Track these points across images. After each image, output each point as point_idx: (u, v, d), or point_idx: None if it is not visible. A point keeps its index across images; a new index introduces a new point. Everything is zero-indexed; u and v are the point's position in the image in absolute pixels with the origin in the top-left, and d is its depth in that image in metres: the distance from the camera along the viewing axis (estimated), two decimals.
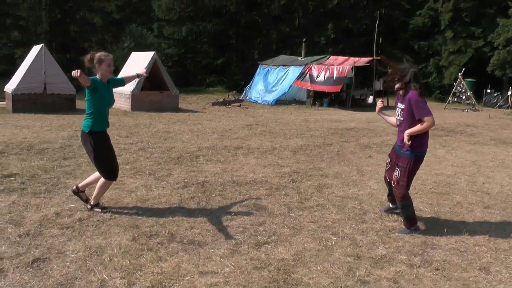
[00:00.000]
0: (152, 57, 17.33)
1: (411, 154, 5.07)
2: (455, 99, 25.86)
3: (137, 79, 16.65)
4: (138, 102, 16.79)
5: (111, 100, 5.45)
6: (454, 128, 15.48)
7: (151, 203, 5.78)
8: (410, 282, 3.95)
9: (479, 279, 4.08)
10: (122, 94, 17.26)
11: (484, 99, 28.54)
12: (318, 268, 4.12)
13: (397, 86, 5.08)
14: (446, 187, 7.29)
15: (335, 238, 4.85)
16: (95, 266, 3.97)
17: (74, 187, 5.62)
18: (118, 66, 23.04)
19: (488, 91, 28.79)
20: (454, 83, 26.94)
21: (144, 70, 6.11)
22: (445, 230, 5.27)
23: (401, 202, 5.16)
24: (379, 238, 4.94)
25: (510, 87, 26.04)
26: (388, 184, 5.56)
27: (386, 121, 5.67)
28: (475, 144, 12.07)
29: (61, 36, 29.78)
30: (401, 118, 5.13)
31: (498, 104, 26.38)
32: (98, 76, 5.24)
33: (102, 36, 31.06)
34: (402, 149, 5.15)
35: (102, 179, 5.38)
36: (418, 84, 4.96)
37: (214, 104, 20.43)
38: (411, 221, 5.18)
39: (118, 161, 7.76)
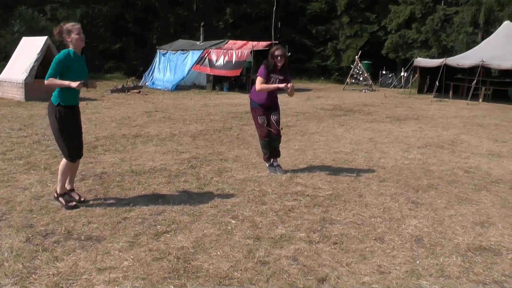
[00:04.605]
0: (45, 42, 16.17)
1: (277, 102, 6.86)
2: (353, 80, 26.90)
3: (31, 66, 15.67)
4: (32, 92, 15.62)
5: (85, 73, 5.19)
6: (352, 108, 16.07)
7: (47, 199, 5.37)
8: (309, 258, 3.99)
9: (374, 249, 4.23)
10: (14, 83, 16.00)
11: (380, 79, 30.01)
12: (218, 253, 4.05)
13: (282, 64, 6.49)
14: (345, 164, 7.51)
15: (234, 222, 4.80)
16: None
17: (55, 193, 5.29)
18: (8, 52, 21.44)
19: (384, 72, 30.32)
20: (352, 66, 28.01)
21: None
22: (343, 205, 5.42)
23: (280, 135, 6.81)
24: (279, 218, 4.96)
25: (402, 68, 27.48)
26: (268, 138, 6.72)
27: (268, 89, 6.50)
28: (372, 122, 12.59)
29: None
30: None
31: (393, 84, 27.75)
32: (71, 47, 4.97)
33: None
34: (272, 103, 6.72)
35: (63, 161, 5.11)
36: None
37: (112, 91, 19.64)
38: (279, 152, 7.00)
39: (10, 156, 7.36)
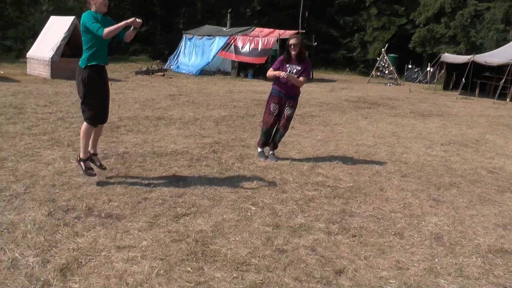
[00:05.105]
0: (72, 22, 16.29)
1: (297, 96, 6.83)
2: (378, 73, 26.63)
3: (58, 45, 15.83)
4: (58, 70, 15.81)
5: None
6: (377, 101, 15.93)
7: (69, 175, 5.43)
8: (328, 249, 3.98)
9: (393, 244, 4.20)
10: (41, 61, 16.24)
11: (405, 74, 29.64)
12: (237, 238, 4.06)
13: (296, 53, 6.47)
14: (367, 156, 7.46)
15: (254, 208, 4.81)
16: (6, 244, 3.67)
17: (77, 156, 5.34)
18: (36, 30, 21.73)
19: (409, 66, 29.94)
20: (378, 58, 27.71)
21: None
22: (364, 198, 5.39)
23: (287, 131, 6.91)
24: (299, 207, 4.95)
25: (429, 63, 27.10)
26: (272, 127, 6.77)
27: (291, 80, 6.52)
28: (396, 116, 12.47)
29: None
30: (295, 76, 6.53)
31: (418, 79, 27.41)
32: (93, 10, 4.98)
33: None
34: (291, 95, 6.69)
35: (84, 124, 5.16)
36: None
37: (137, 73, 19.78)
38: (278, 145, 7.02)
39: (35, 131, 7.47)
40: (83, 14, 4.92)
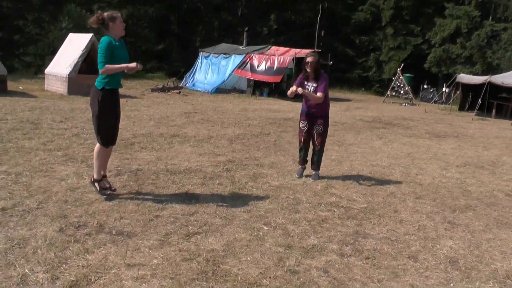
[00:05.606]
0: (90, 39, 16.58)
1: (326, 114, 6.90)
2: (394, 93, 26.51)
3: (75, 61, 16.02)
4: (75, 86, 16.01)
5: (127, 57, 5.24)
6: (392, 121, 15.83)
7: (82, 191, 5.46)
8: (340, 271, 3.92)
9: (407, 267, 4.12)
10: (58, 77, 16.48)
11: (421, 94, 29.49)
12: (248, 258, 4.02)
13: (311, 70, 6.62)
14: (381, 177, 7.39)
15: (267, 228, 4.77)
16: (16, 259, 3.68)
17: (91, 178, 5.44)
18: (55, 47, 22.10)
19: (425, 86, 29.79)
20: (393, 78, 27.62)
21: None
22: (378, 219, 5.32)
23: (322, 149, 6.94)
24: (311, 228, 4.90)
25: (444, 84, 26.94)
26: (304, 144, 6.98)
27: (307, 96, 6.66)
28: (411, 137, 12.37)
29: None
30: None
31: (434, 99, 27.28)
32: (110, 34, 5.06)
33: (38, 14, 29.28)
34: (317, 113, 6.80)
35: (97, 146, 5.27)
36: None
37: (153, 90, 19.95)
38: (320, 165, 7.05)
39: (50, 147, 7.55)
40: (102, 39, 5.01)
